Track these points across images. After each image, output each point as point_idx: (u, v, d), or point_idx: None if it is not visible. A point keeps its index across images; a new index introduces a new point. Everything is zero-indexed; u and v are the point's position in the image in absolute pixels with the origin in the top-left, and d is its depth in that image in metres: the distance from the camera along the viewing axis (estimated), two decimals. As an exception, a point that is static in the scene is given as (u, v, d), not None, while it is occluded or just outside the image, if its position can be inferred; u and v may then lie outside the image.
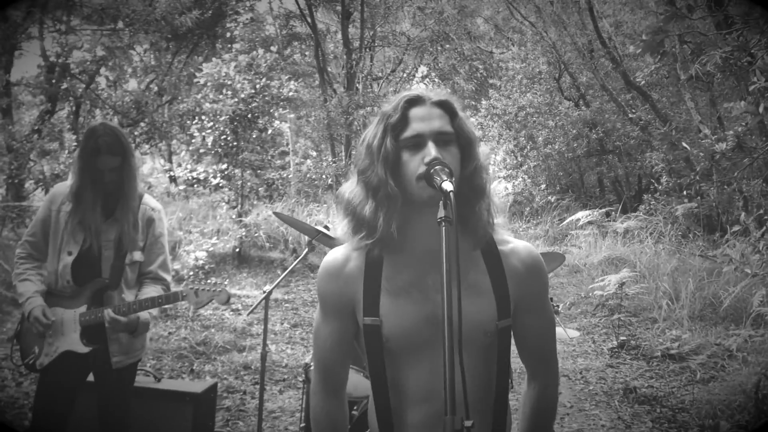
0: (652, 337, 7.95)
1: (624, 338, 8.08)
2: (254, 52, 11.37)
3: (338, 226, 1.93)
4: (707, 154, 5.25)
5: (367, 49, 23.12)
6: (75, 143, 16.74)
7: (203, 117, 11.36)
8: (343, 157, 18.04)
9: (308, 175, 16.61)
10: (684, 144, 5.90)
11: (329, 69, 20.40)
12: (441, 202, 1.58)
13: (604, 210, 15.40)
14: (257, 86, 11.31)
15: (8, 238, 11.24)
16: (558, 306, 4.14)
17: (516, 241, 1.94)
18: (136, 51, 18.87)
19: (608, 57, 14.25)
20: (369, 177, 1.81)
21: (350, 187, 1.89)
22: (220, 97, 11.17)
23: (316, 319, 1.99)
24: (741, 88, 5.13)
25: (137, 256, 3.41)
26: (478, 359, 1.83)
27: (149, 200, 3.51)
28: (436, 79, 32.18)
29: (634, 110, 14.86)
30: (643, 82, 13.12)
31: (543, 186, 20.57)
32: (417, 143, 1.77)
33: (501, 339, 1.85)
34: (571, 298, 10.17)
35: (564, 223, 16.06)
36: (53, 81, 18.13)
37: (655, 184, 14.77)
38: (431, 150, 1.73)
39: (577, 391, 6.56)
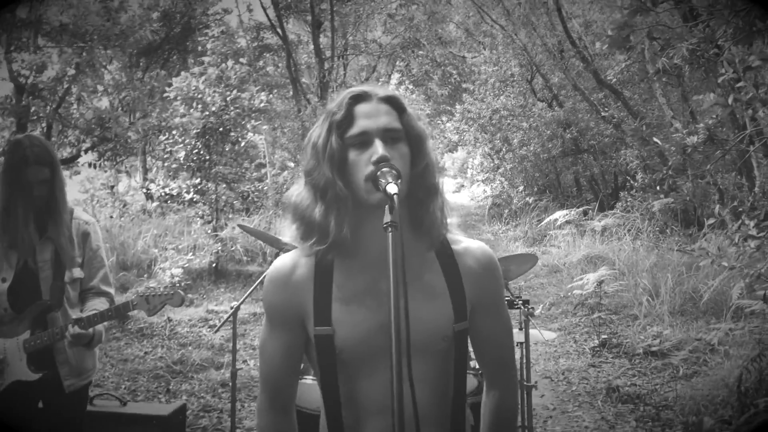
0: (633, 334, 7.91)
1: (605, 337, 8.03)
2: (224, 64, 11.25)
3: (286, 232, 1.84)
4: (679, 148, 5.22)
5: (340, 58, 23.08)
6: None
7: (174, 132, 11.23)
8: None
9: (285, 187, 16.47)
10: (655, 139, 5.87)
11: (303, 79, 20.31)
12: (387, 206, 1.50)
13: (581, 209, 15.42)
14: (228, 98, 11.20)
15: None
16: (533, 309, 4.07)
17: (469, 241, 1.86)
18: (106, 69, 18.74)
19: (578, 57, 14.28)
20: (316, 178, 1.72)
21: (297, 191, 1.80)
22: (191, 111, 11.05)
23: (263, 333, 1.87)
24: (710, 80, 5.10)
25: (77, 273, 3.25)
26: (435, 366, 1.74)
27: (81, 214, 3.36)
28: (410, 86, 32.23)
29: (606, 109, 14.89)
30: (614, 80, 13.15)
31: (520, 188, 20.62)
32: (363, 141, 1.68)
33: (458, 343, 1.76)
34: (551, 299, 10.14)
35: (542, 223, 16.06)
36: (22, 102, 17.93)
37: (631, 182, 14.79)
38: (378, 148, 1.64)
39: (560, 392, 6.49)
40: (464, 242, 1.84)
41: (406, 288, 1.47)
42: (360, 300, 1.73)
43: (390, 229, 1.45)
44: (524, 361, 4.01)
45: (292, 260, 1.82)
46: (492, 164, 21.08)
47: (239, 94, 11.32)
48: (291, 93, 19.38)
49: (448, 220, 1.80)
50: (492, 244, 18.13)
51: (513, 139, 19.32)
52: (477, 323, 1.82)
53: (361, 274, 1.75)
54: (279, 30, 20.01)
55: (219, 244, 11.14)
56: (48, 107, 18.39)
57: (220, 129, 11.17)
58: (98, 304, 3.21)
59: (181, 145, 11.16)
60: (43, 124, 18.31)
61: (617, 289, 8.88)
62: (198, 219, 11.71)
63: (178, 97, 11.19)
